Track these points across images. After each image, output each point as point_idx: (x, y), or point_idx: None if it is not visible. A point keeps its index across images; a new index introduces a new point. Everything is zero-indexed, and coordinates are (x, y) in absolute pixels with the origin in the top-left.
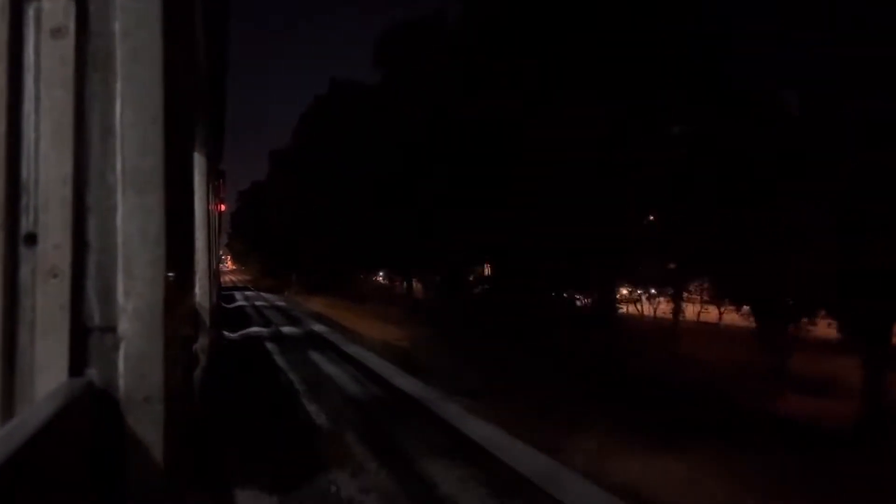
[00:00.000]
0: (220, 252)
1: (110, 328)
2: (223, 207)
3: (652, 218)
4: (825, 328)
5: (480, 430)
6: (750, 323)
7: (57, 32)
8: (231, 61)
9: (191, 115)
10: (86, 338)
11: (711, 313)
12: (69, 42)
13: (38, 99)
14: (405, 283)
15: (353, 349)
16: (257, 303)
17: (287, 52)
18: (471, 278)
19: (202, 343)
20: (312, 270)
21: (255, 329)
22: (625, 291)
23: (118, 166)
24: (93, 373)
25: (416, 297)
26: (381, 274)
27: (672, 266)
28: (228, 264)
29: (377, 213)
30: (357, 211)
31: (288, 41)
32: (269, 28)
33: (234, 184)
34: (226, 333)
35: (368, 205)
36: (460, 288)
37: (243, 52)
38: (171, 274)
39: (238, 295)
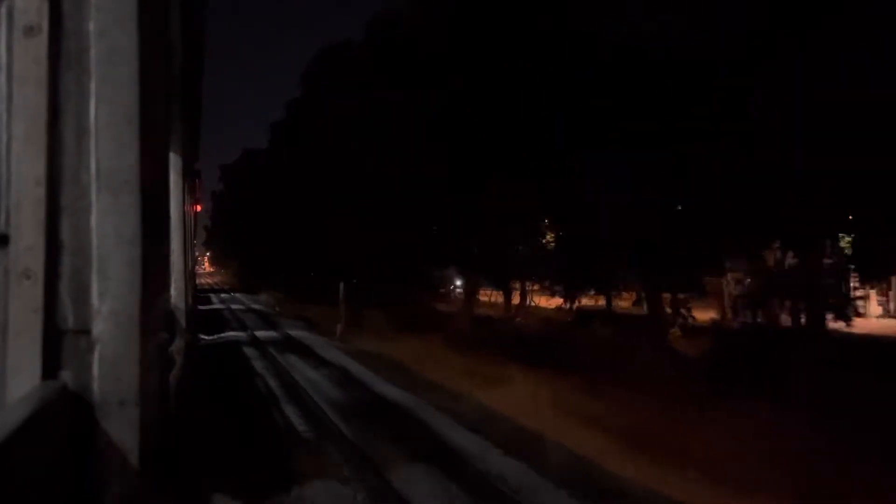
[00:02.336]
0: (196, 253)
1: (84, 330)
2: (199, 208)
3: None
4: None
5: None
6: None
7: (30, 31)
8: (210, 44)
9: (166, 113)
10: (59, 340)
11: None
12: (42, 41)
13: (10, 99)
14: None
15: None
16: None
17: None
18: None
19: (178, 345)
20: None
21: None
22: None
23: (93, 166)
24: (67, 376)
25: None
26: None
27: None
28: (205, 266)
29: None
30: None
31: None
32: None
33: (208, 175)
34: None
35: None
36: None
37: (224, 31)
38: (145, 275)
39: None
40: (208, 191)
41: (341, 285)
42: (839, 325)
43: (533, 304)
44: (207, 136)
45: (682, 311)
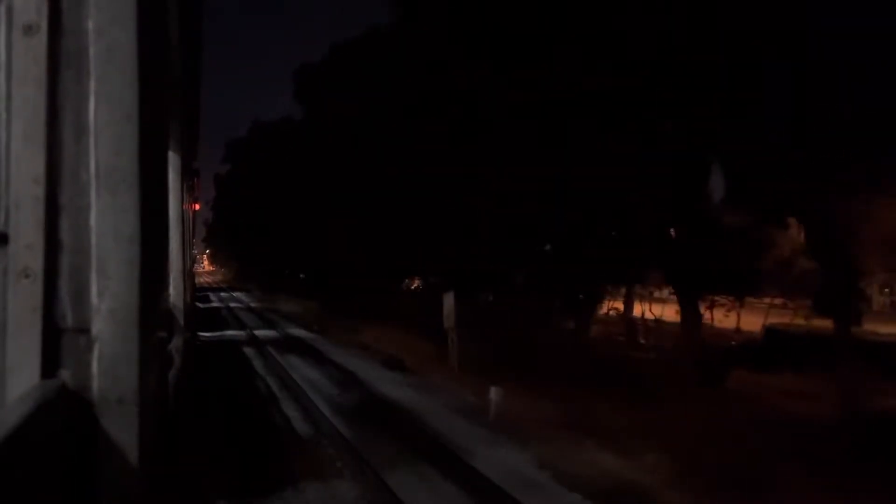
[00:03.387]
0: (196, 251)
1: (84, 329)
2: (198, 206)
3: None
4: None
5: None
6: None
7: (29, 30)
8: (209, 39)
9: (165, 112)
10: (58, 339)
11: None
12: (41, 40)
13: (9, 98)
14: None
15: None
16: None
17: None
18: None
19: (176, 344)
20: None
21: None
22: None
23: (92, 165)
24: (66, 374)
25: None
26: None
27: None
28: (205, 265)
29: None
30: None
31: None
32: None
33: (210, 158)
34: None
35: None
36: None
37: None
38: (144, 274)
39: None
40: (210, 174)
41: (448, 297)
42: None
43: (651, 316)
44: (209, 118)
45: None
